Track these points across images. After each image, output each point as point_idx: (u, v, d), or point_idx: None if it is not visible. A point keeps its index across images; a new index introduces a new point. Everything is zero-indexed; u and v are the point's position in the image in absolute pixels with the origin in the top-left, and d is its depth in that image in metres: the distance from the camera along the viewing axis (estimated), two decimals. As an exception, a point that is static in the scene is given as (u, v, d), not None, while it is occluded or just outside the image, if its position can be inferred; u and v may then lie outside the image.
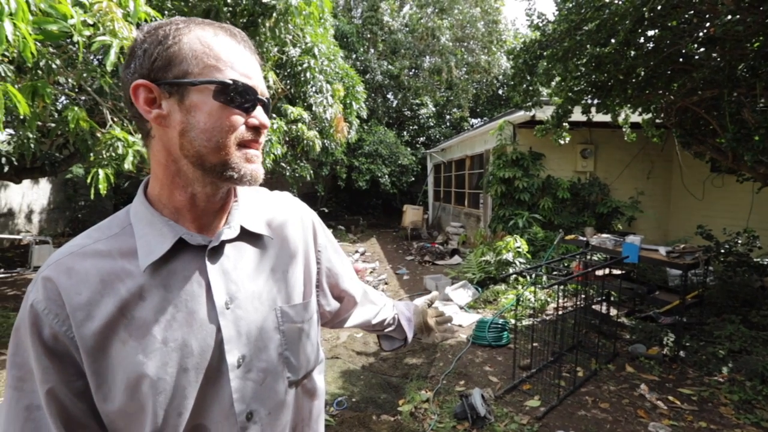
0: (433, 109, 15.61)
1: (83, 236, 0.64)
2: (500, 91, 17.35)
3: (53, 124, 3.48)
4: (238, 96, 0.60)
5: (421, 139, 15.83)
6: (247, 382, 0.64)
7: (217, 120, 0.59)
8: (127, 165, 3.10)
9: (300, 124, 5.81)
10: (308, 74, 5.60)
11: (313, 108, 6.08)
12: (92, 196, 2.97)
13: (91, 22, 2.44)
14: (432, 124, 15.67)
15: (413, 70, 16.46)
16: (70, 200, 10.95)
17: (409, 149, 13.84)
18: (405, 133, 15.73)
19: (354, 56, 14.40)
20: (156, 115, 0.60)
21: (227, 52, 0.61)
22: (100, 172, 3.04)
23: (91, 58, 3.90)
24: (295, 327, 0.71)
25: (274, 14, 4.22)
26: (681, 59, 3.48)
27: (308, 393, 0.76)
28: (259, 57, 0.68)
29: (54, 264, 0.60)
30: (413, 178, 13.88)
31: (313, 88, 5.95)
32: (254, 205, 0.74)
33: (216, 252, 0.65)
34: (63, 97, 4.19)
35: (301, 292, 0.75)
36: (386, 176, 12.75)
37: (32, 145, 4.00)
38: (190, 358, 0.60)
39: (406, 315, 1.04)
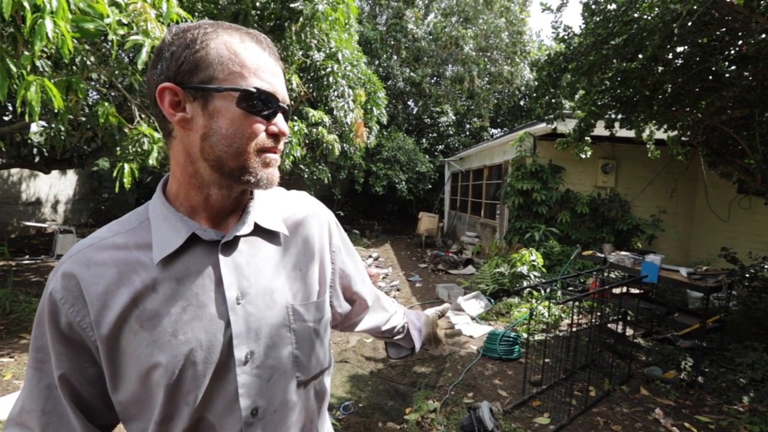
0: (454, 117, 15.58)
1: (104, 229, 0.67)
2: (522, 102, 17.22)
3: (84, 118, 3.60)
4: (260, 104, 0.61)
5: (440, 147, 15.80)
6: (254, 379, 0.64)
7: (239, 126, 0.61)
8: (152, 161, 3.19)
9: (320, 128, 5.88)
10: (331, 79, 5.67)
11: (334, 112, 6.14)
12: (117, 189, 3.06)
13: (125, 22, 2.53)
14: (451, 133, 15.64)
15: (435, 78, 16.48)
16: (95, 192, 11.28)
17: (427, 157, 13.83)
18: (424, 140, 15.74)
19: (377, 62, 14.52)
20: (180, 118, 0.61)
21: (252, 60, 0.62)
22: (126, 166, 3.13)
23: (123, 56, 4.03)
24: (307, 326, 0.71)
25: (301, 19, 4.29)
26: (711, 77, 3.40)
27: (317, 395, 0.75)
28: (282, 62, 0.69)
29: (75, 255, 0.63)
30: (430, 186, 13.85)
31: (335, 93, 6.01)
32: (270, 203, 0.75)
33: (229, 247, 0.65)
34: (94, 93, 4.34)
35: (315, 292, 0.75)
36: (403, 182, 12.76)
37: (63, 138, 4.15)
38: (199, 351, 0.61)
39: (417, 325, 1.02)
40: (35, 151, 5.34)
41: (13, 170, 8.68)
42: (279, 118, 0.65)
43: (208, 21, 0.63)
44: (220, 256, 0.64)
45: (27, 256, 7.23)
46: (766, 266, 3.93)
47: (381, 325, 0.96)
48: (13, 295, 4.54)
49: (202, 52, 0.60)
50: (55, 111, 2.81)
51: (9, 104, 4.89)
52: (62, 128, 3.98)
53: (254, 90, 0.60)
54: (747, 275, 3.91)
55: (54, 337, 0.61)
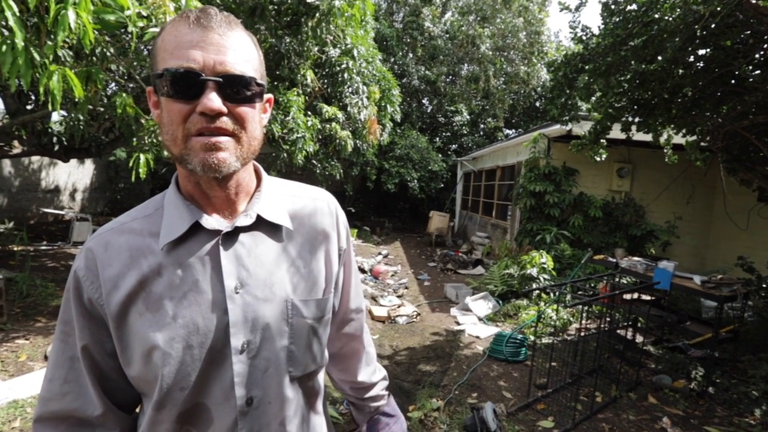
0: (468, 117, 15.47)
1: (125, 215, 0.71)
2: (537, 103, 17.01)
3: (102, 109, 3.67)
4: (173, 85, 0.57)
5: (453, 146, 15.72)
6: (250, 369, 0.65)
7: (168, 113, 0.60)
8: (167, 152, 3.23)
9: (334, 124, 5.90)
10: (346, 75, 5.67)
11: (348, 108, 6.15)
12: (133, 179, 3.11)
13: (145, 14, 2.57)
14: (465, 132, 15.53)
15: (450, 77, 16.38)
16: (111, 181, 11.50)
17: (440, 155, 13.77)
18: (437, 139, 15.67)
19: (392, 60, 14.48)
20: (156, 115, 0.64)
21: (172, 40, 0.59)
22: (141, 156, 3.19)
23: (141, 48, 4.09)
24: (305, 322, 0.70)
25: (317, 14, 4.30)
26: (732, 81, 3.31)
27: (310, 391, 0.75)
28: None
29: (97, 237, 0.68)
30: (442, 185, 13.80)
31: (350, 89, 6.02)
32: (279, 196, 0.75)
33: (230, 238, 0.67)
34: (113, 84, 4.42)
35: (319, 289, 0.74)
36: (415, 181, 12.73)
37: (82, 127, 4.24)
38: (195, 335, 0.62)
39: (390, 426, 0.94)
40: (55, 139, 5.46)
41: (34, 158, 8.90)
42: (207, 95, 0.58)
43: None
44: (221, 246, 0.66)
45: (44, 242, 7.41)
46: (784, 277, 3.83)
47: (356, 366, 0.93)
48: (30, 280, 4.66)
49: (155, 47, 0.62)
50: (75, 101, 2.87)
51: (31, 93, 5.00)
52: (81, 118, 4.06)
53: (160, 72, 0.58)
54: (764, 285, 3.82)
55: (78, 312, 0.65)
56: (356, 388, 0.94)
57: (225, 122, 0.60)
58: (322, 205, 0.79)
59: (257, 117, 0.65)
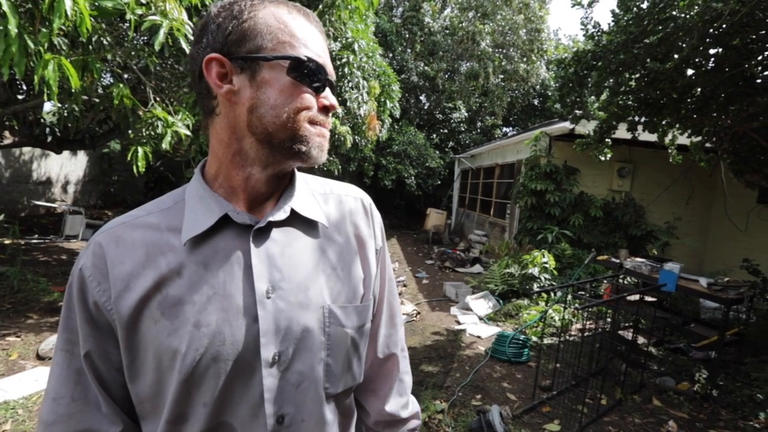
0: (466, 114, 15.40)
1: (139, 208, 0.63)
2: (535, 101, 16.99)
3: (97, 100, 3.56)
4: (311, 74, 0.59)
5: (451, 143, 15.65)
6: (281, 383, 0.58)
7: (288, 96, 0.58)
8: (165, 145, 3.14)
9: (333, 118, 5.81)
10: (346, 69, 5.58)
11: (348, 103, 6.06)
12: (135, 173, 3.02)
13: (143, 2, 2.47)
14: (463, 129, 15.48)
15: (449, 74, 16.28)
16: (105, 174, 11.30)
17: (437, 152, 13.71)
18: (435, 135, 15.59)
19: (391, 55, 14.36)
20: (227, 90, 0.58)
21: (302, 30, 0.60)
22: (139, 149, 3.09)
23: (137, 37, 3.97)
24: (344, 332, 0.64)
25: (320, 5, 4.21)
26: (741, 82, 3.27)
27: (347, 411, 0.68)
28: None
29: (107, 231, 0.60)
30: (439, 182, 13.74)
31: (350, 84, 5.93)
32: (312, 192, 0.70)
33: (262, 234, 0.61)
34: (108, 74, 4.29)
35: (358, 295, 0.67)
36: (412, 177, 12.67)
37: (76, 118, 4.12)
38: (221, 346, 0.55)
39: None
40: (47, 130, 5.32)
41: (25, 149, 8.70)
42: (328, 92, 0.62)
43: None
44: (252, 243, 0.59)
45: (36, 236, 7.26)
46: (789, 280, 3.82)
47: (384, 403, 0.78)
48: (21, 274, 4.54)
49: (249, 22, 0.58)
50: (71, 91, 2.77)
51: (22, 82, 4.86)
52: (76, 108, 3.94)
53: (305, 58, 0.58)
54: (768, 288, 3.81)
55: (82, 317, 0.57)
56: (381, 421, 0.79)
57: (329, 121, 0.64)
58: (356, 203, 0.73)
59: None
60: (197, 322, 0.55)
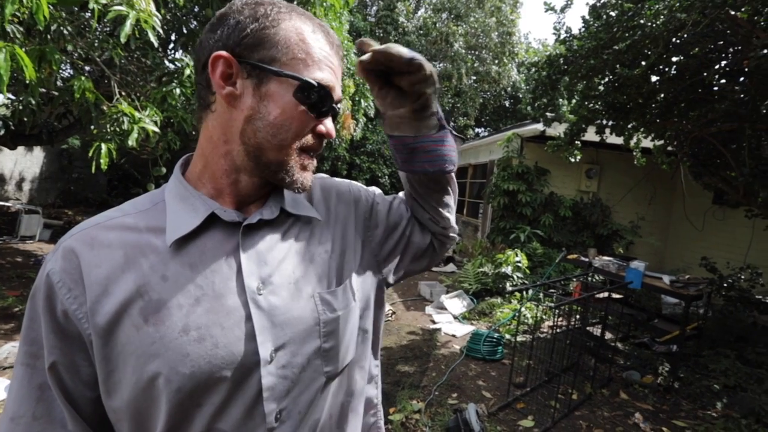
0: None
1: (113, 210, 0.59)
2: (507, 103, 17.35)
3: (56, 93, 3.36)
4: (317, 98, 0.56)
5: (424, 143, 15.74)
6: (280, 380, 0.56)
7: (288, 118, 0.56)
8: (131, 142, 2.99)
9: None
10: (321, 67, 5.51)
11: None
12: (93, 170, 2.86)
13: (108, -10, 2.34)
14: (436, 130, 15.61)
15: (423, 74, 16.38)
16: (64, 171, 10.72)
17: (411, 152, 13.77)
18: (409, 135, 15.65)
19: (365, 54, 14.32)
20: (228, 92, 0.55)
21: (318, 50, 0.57)
22: (103, 146, 2.93)
23: (102, 28, 3.77)
24: (336, 315, 0.63)
25: (294, 2, 4.13)
26: (701, 89, 3.45)
27: (345, 390, 0.67)
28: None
29: (78, 233, 0.55)
30: (413, 182, 13.82)
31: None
32: None
33: (251, 231, 0.59)
34: (68, 66, 4.06)
35: (341, 276, 0.67)
36: (386, 177, 12.71)
37: (33, 111, 3.88)
38: (214, 350, 0.52)
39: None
40: (0, 124, 4.98)
41: (-26, 144, 8.13)
42: (329, 119, 0.60)
43: (283, 2, 0.59)
44: (241, 241, 0.57)
45: (-13, 236, 6.81)
46: (742, 277, 4.06)
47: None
48: (-29, 278, 4.24)
49: (271, 30, 0.55)
50: (26, 82, 2.59)
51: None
52: (33, 101, 3.71)
53: (315, 84, 0.56)
54: (725, 285, 4.03)
55: (48, 327, 0.52)
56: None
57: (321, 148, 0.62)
58: (334, 188, 0.74)
59: None
60: (185, 327, 0.52)
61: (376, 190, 0.80)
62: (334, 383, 0.64)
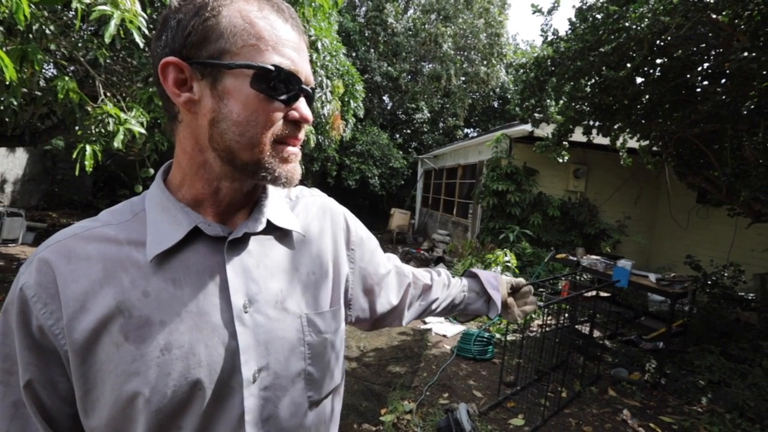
0: (429, 115, 15.61)
1: (91, 219, 0.56)
2: (495, 104, 17.48)
3: (39, 93, 3.29)
4: (279, 84, 0.51)
5: (414, 143, 15.80)
6: (263, 401, 0.55)
7: (253, 112, 0.51)
8: (117, 143, 2.95)
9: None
10: (310, 68, 5.49)
11: (312, 103, 5.96)
12: (77, 172, 2.81)
13: (92, -10, 2.30)
14: (426, 130, 15.68)
15: (412, 74, 16.44)
16: (48, 173, 10.50)
17: (400, 152, 13.81)
18: (398, 136, 15.70)
19: (354, 54, 14.30)
20: (186, 99, 0.52)
21: (271, 31, 0.52)
22: (87, 148, 2.88)
23: (86, 27, 3.70)
24: (323, 338, 0.62)
25: (284, 3, 4.11)
26: (685, 91, 3.52)
27: (328, 416, 0.66)
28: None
29: (54, 245, 0.52)
30: (403, 182, 13.84)
31: (313, 83, 5.84)
32: (283, 200, 0.67)
33: (237, 246, 0.57)
34: (51, 67, 3.98)
35: (330, 299, 0.66)
36: (376, 177, 12.69)
37: (15, 111, 3.79)
38: (197, 369, 0.51)
39: (493, 284, 0.95)
40: (-20, 125, 4.86)
41: (-46, 145, 7.92)
42: (301, 102, 0.55)
43: None
44: (226, 256, 0.55)
45: (-33, 240, 6.64)
46: (726, 274, 4.15)
47: (430, 307, 0.90)
48: (-50, 283, 4.13)
49: (212, 20, 0.50)
50: (7, 83, 2.53)
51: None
52: (14, 102, 3.63)
53: (272, 68, 0.50)
54: (709, 282, 4.11)
55: (23, 343, 0.50)
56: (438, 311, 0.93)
57: (302, 134, 0.57)
58: (324, 206, 0.72)
59: None
60: (167, 345, 0.50)
61: (396, 261, 0.86)
62: (316, 409, 0.62)
